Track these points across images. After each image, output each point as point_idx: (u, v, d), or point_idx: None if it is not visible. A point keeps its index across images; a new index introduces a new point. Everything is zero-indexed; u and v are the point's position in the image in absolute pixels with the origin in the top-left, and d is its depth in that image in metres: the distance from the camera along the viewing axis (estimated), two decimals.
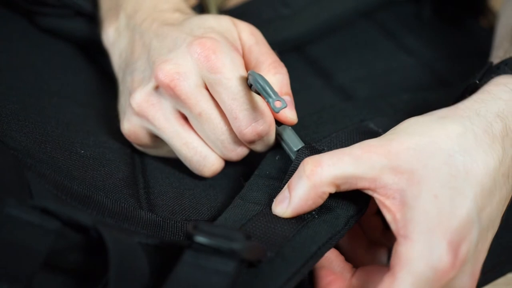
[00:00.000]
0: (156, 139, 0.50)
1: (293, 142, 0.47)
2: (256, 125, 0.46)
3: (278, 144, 0.49)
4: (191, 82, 0.46)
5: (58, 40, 0.60)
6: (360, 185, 0.41)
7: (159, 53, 0.48)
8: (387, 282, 0.39)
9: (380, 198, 0.40)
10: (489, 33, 0.72)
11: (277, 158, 0.49)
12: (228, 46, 0.47)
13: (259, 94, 0.45)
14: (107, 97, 0.57)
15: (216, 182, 0.51)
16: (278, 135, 0.48)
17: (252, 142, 0.47)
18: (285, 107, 0.43)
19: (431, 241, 0.38)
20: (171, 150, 0.50)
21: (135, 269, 0.38)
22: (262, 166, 0.48)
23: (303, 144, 0.47)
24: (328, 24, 0.67)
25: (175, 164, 0.51)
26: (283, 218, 0.43)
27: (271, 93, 0.43)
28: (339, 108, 0.52)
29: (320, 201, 0.42)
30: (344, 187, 0.41)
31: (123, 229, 0.43)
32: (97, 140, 0.51)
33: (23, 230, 0.36)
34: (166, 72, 0.46)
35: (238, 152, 0.48)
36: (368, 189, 0.41)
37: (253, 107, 0.46)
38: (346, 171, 0.40)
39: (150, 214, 0.46)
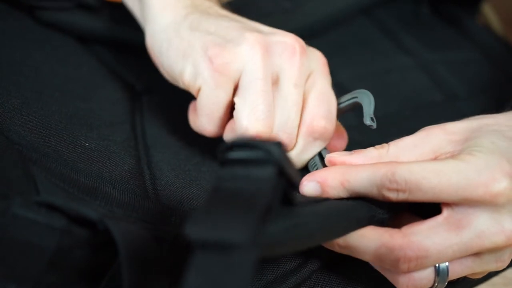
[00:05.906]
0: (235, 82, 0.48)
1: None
2: (329, 123, 0.47)
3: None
4: (308, 60, 0.48)
5: (58, 34, 0.60)
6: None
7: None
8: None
9: None
10: (486, 31, 0.73)
11: None
12: None
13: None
14: (108, 90, 0.57)
15: None
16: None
17: (310, 137, 0.47)
18: (374, 128, 0.46)
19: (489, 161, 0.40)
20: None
21: (146, 258, 0.37)
22: None
23: None
24: (330, 19, 0.67)
25: (181, 157, 0.52)
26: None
27: (371, 111, 0.46)
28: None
29: None
30: None
31: (132, 221, 0.43)
32: (101, 133, 0.51)
33: (30, 229, 0.36)
34: (296, 39, 0.47)
35: (286, 139, 0.47)
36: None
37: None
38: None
39: (158, 204, 0.46)
